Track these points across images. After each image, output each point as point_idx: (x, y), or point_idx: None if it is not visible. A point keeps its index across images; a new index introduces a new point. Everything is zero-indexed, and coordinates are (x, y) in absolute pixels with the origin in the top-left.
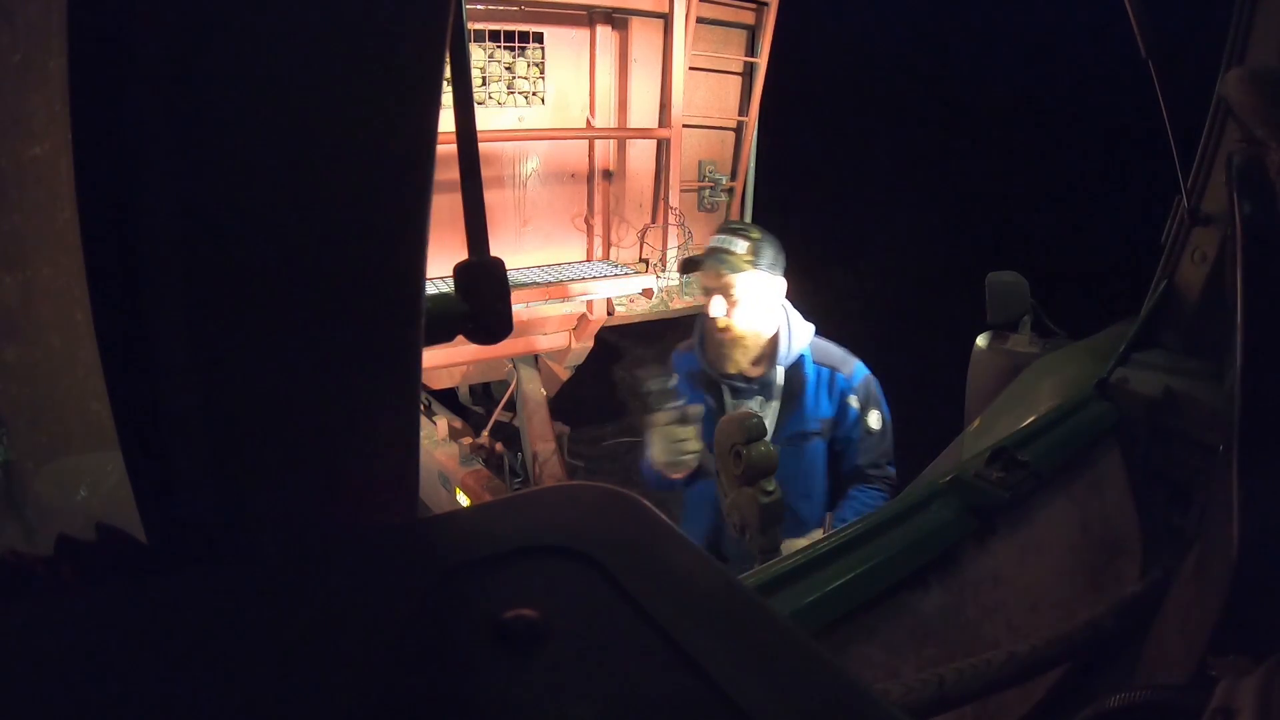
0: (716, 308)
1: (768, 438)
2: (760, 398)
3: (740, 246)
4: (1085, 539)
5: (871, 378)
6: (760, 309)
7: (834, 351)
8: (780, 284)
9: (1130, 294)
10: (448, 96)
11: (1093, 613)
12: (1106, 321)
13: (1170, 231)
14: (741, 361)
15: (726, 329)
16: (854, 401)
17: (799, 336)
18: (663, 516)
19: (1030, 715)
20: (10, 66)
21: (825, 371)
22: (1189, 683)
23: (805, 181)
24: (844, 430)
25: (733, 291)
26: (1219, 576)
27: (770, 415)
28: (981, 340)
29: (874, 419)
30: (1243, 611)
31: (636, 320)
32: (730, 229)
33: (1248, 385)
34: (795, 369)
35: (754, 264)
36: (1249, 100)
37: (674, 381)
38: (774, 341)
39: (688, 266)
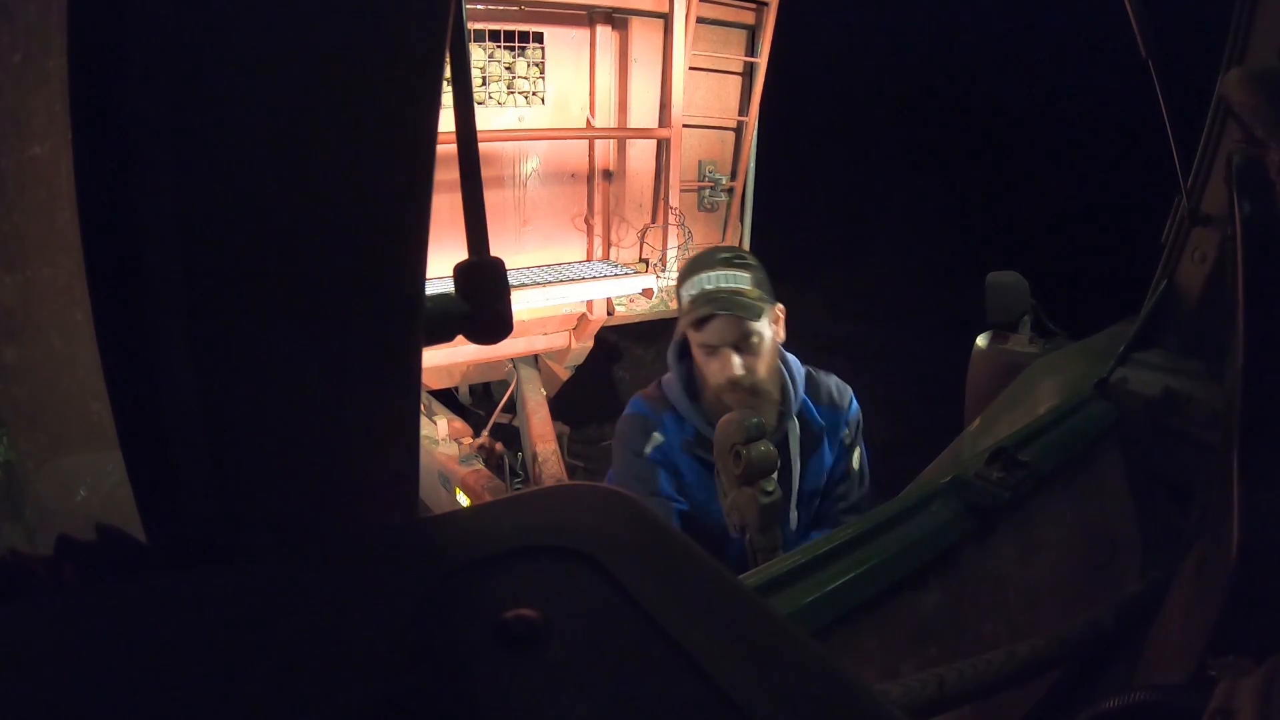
0: (736, 365)
1: (790, 499)
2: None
3: (747, 280)
4: (1085, 539)
5: (858, 408)
6: (775, 353)
7: (825, 382)
8: (781, 314)
9: (1130, 294)
10: (448, 96)
11: (1093, 613)
12: (1106, 321)
13: (1170, 231)
14: (771, 420)
15: (752, 387)
16: (847, 438)
17: (797, 374)
18: (662, 516)
19: (1030, 715)
20: (10, 66)
21: (826, 411)
22: (1189, 683)
23: (805, 181)
24: (837, 470)
25: (753, 340)
26: (1219, 576)
27: (792, 477)
28: (981, 340)
29: (855, 457)
30: (1243, 611)
31: (636, 320)
32: (719, 260)
33: (1248, 385)
34: (803, 416)
35: (764, 299)
36: (1249, 100)
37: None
38: (782, 388)
39: (699, 324)
